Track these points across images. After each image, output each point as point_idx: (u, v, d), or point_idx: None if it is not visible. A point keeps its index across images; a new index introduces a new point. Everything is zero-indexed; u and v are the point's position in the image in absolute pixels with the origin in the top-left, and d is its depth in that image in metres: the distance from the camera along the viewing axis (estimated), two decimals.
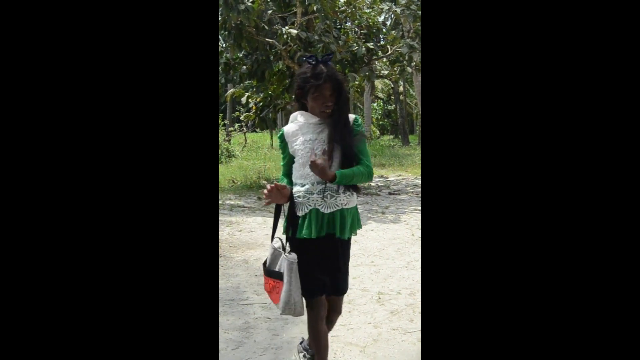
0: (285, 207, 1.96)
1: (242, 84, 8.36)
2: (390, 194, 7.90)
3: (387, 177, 10.08)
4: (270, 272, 1.93)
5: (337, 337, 2.56)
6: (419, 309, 2.92)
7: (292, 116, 2.03)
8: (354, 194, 1.94)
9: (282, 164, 2.06)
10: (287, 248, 1.90)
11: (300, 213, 1.90)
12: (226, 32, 7.39)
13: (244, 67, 7.94)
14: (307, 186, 1.89)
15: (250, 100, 8.79)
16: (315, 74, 1.87)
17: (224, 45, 8.38)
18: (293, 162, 1.97)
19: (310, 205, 1.89)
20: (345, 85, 1.94)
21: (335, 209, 1.89)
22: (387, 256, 4.19)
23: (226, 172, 9.88)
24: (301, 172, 1.92)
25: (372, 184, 8.99)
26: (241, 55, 8.07)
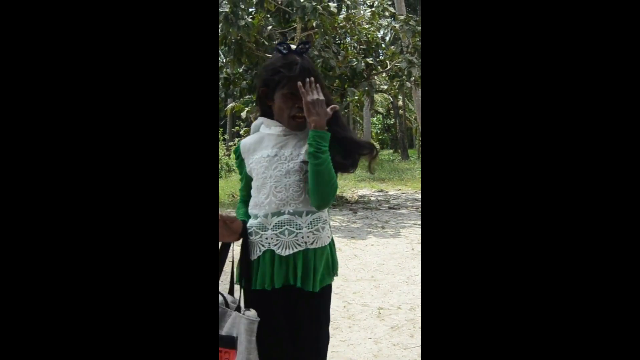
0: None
1: (242, 99, 8.41)
2: (390, 208, 7.90)
3: (386, 192, 10.08)
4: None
5: (337, 353, 2.54)
6: (420, 324, 2.90)
7: (253, 125, 1.53)
8: (325, 227, 1.42)
9: (239, 188, 1.56)
10: (241, 303, 1.40)
11: (252, 256, 1.41)
12: (226, 48, 7.44)
13: (244, 82, 7.98)
14: (260, 218, 1.40)
15: (250, 114, 8.82)
16: (286, 64, 1.38)
17: (224, 60, 8.43)
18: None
19: (263, 246, 1.39)
20: (324, 88, 1.41)
21: (295, 250, 1.37)
22: (387, 271, 4.18)
23: (226, 187, 9.87)
24: (256, 199, 1.42)
25: (372, 198, 8.99)
26: (241, 70, 8.12)
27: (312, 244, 1.38)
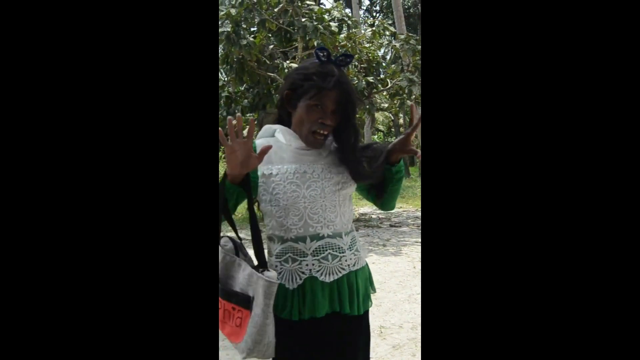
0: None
1: (243, 117, 8.44)
2: (391, 226, 7.87)
3: None
4: (228, 294, 1.20)
5: None
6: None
7: (265, 128, 1.36)
8: (361, 245, 1.36)
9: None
10: (249, 258, 1.25)
11: (290, 285, 1.26)
12: (228, 67, 7.51)
13: (246, 100, 8.04)
14: (291, 242, 1.26)
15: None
16: (321, 73, 1.24)
17: (226, 79, 8.50)
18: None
19: (304, 273, 1.26)
20: (359, 105, 1.31)
21: (340, 274, 1.27)
22: (389, 289, 4.15)
23: None
24: (282, 219, 1.26)
25: (373, 216, 8.97)
26: (243, 88, 8.18)
27: (354, 265, 1.31)
